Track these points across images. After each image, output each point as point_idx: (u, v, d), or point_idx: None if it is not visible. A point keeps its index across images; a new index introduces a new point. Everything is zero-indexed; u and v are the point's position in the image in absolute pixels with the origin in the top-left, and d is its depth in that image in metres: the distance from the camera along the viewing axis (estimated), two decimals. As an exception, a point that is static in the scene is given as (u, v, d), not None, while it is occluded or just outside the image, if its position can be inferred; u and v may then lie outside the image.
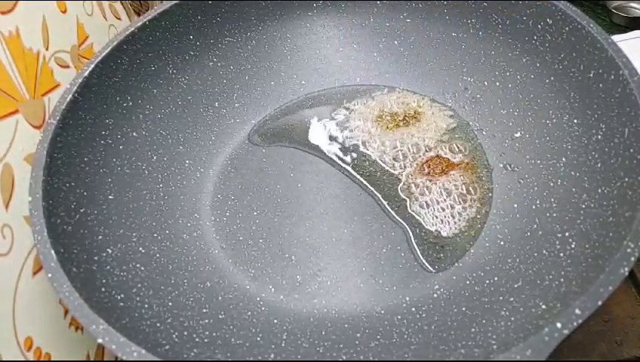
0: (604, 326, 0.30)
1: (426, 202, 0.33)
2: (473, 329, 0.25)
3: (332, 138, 0.39)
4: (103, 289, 0.26)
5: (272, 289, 0.31)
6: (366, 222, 0.33)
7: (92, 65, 0.32)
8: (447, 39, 0.38)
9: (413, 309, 0.29)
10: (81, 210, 0.29)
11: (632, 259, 0.21)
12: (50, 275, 0.23)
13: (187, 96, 0.38)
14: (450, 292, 0.29)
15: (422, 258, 0.31)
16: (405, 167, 0.36)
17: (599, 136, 0.28)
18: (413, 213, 0.33)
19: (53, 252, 0.24)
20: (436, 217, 0.33)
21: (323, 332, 0.28)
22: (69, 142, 0.30)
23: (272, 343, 0.28)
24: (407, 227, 0.33)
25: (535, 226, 0.29)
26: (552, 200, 0.30)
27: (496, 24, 0.35)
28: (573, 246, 0.26)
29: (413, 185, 0.34)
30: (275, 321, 0.29)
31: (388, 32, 0.41)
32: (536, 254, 0.28)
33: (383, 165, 0.36)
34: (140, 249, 0.30)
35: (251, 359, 0.26)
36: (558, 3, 0.30)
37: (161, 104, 0.37)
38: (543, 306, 0.23)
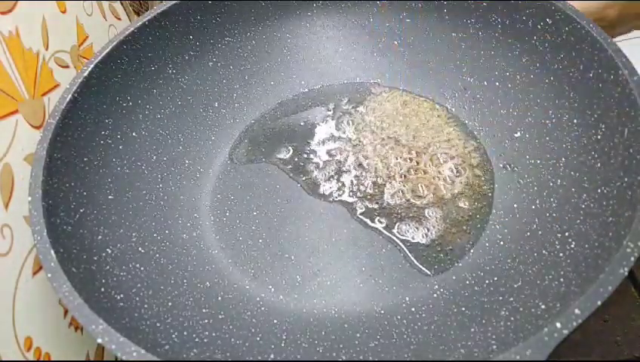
0: (603, 326, 0.30)
1: (423, 202, 0.33)
2: (473, 329, 0.25)
3: (331, 138, 0.39)
4: (103, 290, 0.26)
5: (272, 289, 0.31)
6: (365, 223, 0.33)
7: (92, 66, 0.32)
8: (447, 39, 0.38)
9: (413, 309, 0.29)
10: (81, 210, 0.29)
11: (632, 259, 0.21)
12: (49, 275, 0.23)
13: (187, 96, 0.38)
14: (450, 293, 0.29)
15: (419, 262, 0.31)
16: (402, 168, 0.36)
17: (599, 136, 0.28)
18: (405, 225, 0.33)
19: (53, 252, 0.24)
20: (435, 217, 0.33)
21: (323, 333, 0.28)
22: (69, 142, 0.30)
23: (272, 343, 0.28)
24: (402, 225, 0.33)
25: (535, 226, 0.29)
26: (552, 200, 0.30)
27: (496, 24, 0.35)
28: (572, 246, 0.26)
29: (405, 188, 0.34)
30: (275, 321, 0.29)
31: (388, 32, 0.41)
32: (536, 254, 0.28)
33: (379, 171, 0.36)
34: (140, 249, 0.30)
35: (251, 359, 0.26)
36: (558, 3, 0.30)
37: (161, 104, 0.37)
38: (543, 306, 0.23)
